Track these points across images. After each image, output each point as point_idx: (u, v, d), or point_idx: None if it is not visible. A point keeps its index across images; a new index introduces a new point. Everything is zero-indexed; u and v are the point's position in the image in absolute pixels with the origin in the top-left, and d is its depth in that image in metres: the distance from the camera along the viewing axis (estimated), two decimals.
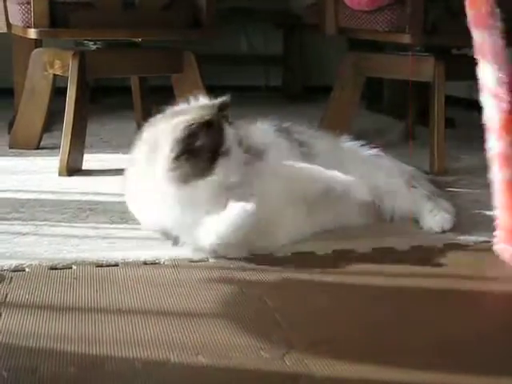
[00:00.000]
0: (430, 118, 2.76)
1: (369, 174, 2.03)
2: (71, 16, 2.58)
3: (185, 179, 1.66)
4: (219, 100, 1.75)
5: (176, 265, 1.69)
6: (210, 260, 1.71)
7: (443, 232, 1.98)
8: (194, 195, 1.68)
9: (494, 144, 1.55)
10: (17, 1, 2.63)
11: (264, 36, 4.99)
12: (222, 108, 1.73)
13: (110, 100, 4.36)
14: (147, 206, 1.77)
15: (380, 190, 2.03)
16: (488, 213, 2.18)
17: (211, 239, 1.65)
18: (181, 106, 1.82)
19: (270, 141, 1.91)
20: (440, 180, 2.39)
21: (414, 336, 1.37)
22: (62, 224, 1.99)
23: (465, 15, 2.78)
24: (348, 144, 2.11)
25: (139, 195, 1.80)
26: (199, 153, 1.66)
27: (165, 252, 1.75)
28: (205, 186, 1.68)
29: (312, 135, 2.06)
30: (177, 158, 1.65)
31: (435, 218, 2.00)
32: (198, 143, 1.66)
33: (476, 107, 4.35)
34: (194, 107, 1.77)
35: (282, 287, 1.58)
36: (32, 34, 2.60)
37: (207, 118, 1.68)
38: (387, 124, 3.87)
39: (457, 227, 2.01)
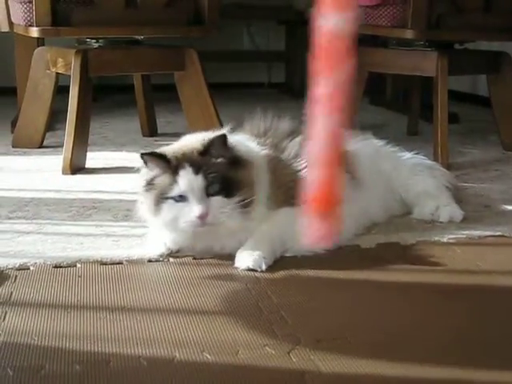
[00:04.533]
0: (434, 112, 2.75)
1: (414, 180, 2.06)
2: (73, 14, 2.57)
3: (147, 209, 1.70)
4: (206, 140, 1.67)
5: (180, 262, 1.68)
6: (216, 257, 1.71)
7: (449, 223, 1.99)
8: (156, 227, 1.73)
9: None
10: (19, 0, 2.62)
11: (266, 32, 4.98)
12: (205, 150, 1.66)
13: (113, 98, 4.35)
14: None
15: (422, 194, 2.05)
16: (492, 207, 2.18)
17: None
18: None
19: None
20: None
21: (422, 332, 1.37)
22: (66, 222, 1.99)
23: (470, 10, 2.79)
24: (383, 147, 2.13)
25: None
26: (154, 189, 1.66)
27: None
28: (156, 224, 1.71)
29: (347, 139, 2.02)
30: (144, 186, 1.68)
31: (445, 209, 2.01)
32: (151, 178, 1.67)
33: (480, 102, 4.37)
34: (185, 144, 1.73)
35: (287, 283, 1.58)
36: (34, 32, 2.60)
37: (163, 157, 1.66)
38: (390, 118, 3.86)
39: (461, 221, 2.00)
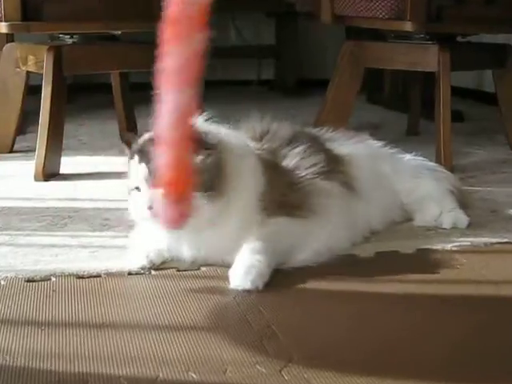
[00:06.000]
0: (436, 110, 2.77)
1: (418, 184, 2.08)
2: (45, 8, 2.58)
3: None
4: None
5: (163, 275, 1.69)
6: (201, 269, 1.71)
7: (453, 229, 2.01)
8: None
9: None
10: None
11: (255, 26, 5.00)
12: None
13: (89, 99, 4.36)
14: None
15: (424, 198, 2.07)
16: (499, 212, 2.19)
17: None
18: None
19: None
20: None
21: (420, 347, 1.37)
22: (39, 233, 1.99)
23: (472, 1, 2.81)
24: (382, 149, 2.14)
25: None
26: None
27: None
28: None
29: (343, 141, 2.04)
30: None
31: (449, 214, 2.03)
32: None
33: (485, 99, 4.38)
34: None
35: (279, 296, 1.58)
36: (2, 28, 2.60)
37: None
38: (389, 117, 3.88)
39: (466, 228, 2.02)
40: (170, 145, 1.31)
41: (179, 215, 1.31)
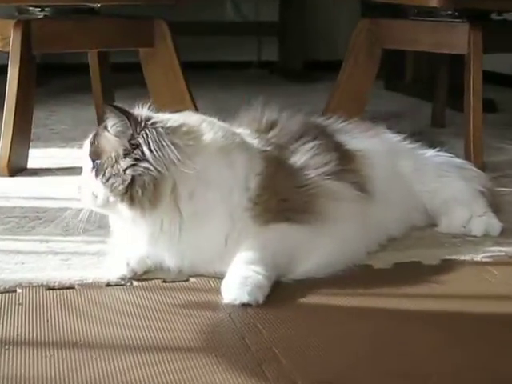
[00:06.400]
0: (465, 99, 2.77)
1: (445, 185, 2.09)
2: None
3: None
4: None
5: (147, 286, 1.69)
6: (191, 280, 1.72)
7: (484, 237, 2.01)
8: None
9: None
10: None
11: None
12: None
13: (62, 81, 4.36)
14: None
15: (450, 201, 2.07)
16: None
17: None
18: None
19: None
20: None
21: (445, 373, 1.37)
22: (3, 237, 1.99)
23: None
24: (401, 143, 2.14)
25: None
26: None
27: None
28: None
29: (356, 134, 2.03)
30: None
31: (480, 219, 2.04)
32: None
33: None
34: None
35: (281, 313, 1.58)
36: None
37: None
38: (411, 107, 3.88)
39: (499, 235, 2.02)
40: None
41: None
